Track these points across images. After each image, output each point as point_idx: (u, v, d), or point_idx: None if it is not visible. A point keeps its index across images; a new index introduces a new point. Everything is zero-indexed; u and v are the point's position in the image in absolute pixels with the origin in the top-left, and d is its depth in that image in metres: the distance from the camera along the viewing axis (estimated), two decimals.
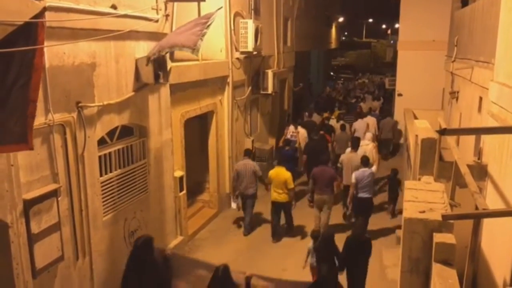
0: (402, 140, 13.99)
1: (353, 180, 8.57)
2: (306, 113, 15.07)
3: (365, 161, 8.82)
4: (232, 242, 8.72)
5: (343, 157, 9.78)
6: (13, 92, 3.74)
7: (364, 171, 8.64)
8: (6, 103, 3.74)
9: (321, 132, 12.14)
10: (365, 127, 12.97)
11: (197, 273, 5.26)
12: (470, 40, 8.53)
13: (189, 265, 5.46)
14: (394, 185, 10.09)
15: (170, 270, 5.25)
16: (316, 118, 14.56)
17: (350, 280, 6.60)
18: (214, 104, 9.49)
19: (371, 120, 13.72)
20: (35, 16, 3.72)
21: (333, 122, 14.00)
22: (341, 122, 13.43)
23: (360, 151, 9.76)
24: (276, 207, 8.79)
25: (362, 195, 8.59)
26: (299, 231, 9.11)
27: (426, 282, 3.68)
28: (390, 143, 13.80)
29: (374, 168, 9.36)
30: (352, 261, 6.48)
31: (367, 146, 10.23)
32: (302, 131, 12.10)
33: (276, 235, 8.85)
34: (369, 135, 10.96)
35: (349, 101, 21.68)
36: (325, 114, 15.52)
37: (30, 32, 3.67)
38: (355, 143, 10.02)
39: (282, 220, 9.04)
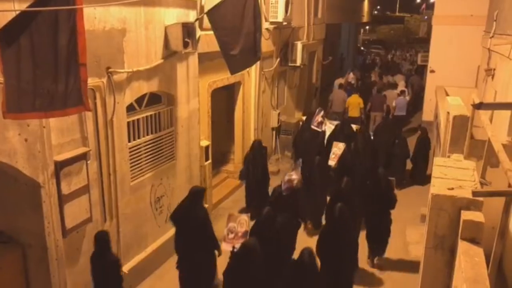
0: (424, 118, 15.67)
1: (394, 104, 13.75)
2: (349, 70, 20.27)
3: (402, 91, 14.56)
4: None
5: (385, 92, 14.67)
6: (63, 57, 3.81)
7: (401, 98, 14.02)
8: (59, 69, 3.82)
9: None
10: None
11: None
12: (511, 15, 8.14)
13: None
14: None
15: None
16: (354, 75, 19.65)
17: None
18: (241, 75, 9.42)
19: (401, 76, 18.84)
20: None
21: (374, 77, 20.22)
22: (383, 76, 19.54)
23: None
24: (351, 119, 12.64)
25: (399, 113, 13.70)
26: None
27: (450, 260, 3.64)
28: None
29: (408, 97, 14.83)
30: None
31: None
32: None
33: None
34: (402, 83, 17.33)
35: (388, 65, 26.60)
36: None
37: None
38: (393, 85, 16.19)
39: None
